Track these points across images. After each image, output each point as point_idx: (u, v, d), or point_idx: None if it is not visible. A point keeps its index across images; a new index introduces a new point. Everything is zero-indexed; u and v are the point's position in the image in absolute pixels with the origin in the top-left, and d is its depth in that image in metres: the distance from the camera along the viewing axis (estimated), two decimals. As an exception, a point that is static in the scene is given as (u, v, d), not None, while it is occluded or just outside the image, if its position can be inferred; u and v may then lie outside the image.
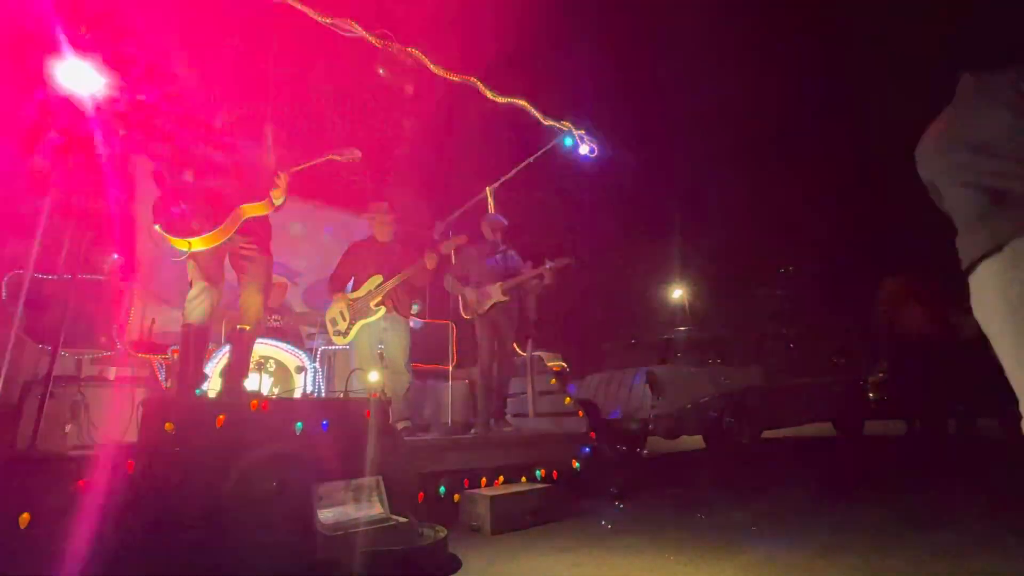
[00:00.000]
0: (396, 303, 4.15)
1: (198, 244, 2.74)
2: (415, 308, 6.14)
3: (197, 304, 2.79)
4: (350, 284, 4.30)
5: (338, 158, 3.19)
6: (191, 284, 2.84)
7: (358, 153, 3.21)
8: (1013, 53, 1.50)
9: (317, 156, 3.25)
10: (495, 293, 4.37)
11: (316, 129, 9.85)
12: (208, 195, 2.80)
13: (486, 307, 4.41)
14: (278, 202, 2.99)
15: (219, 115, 3.08)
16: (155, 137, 3.14)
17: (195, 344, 2.79)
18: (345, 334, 4.11)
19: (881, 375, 8.11)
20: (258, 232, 2.99)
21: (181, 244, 2.74)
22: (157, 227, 2.74)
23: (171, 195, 2.78)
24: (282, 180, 2.96)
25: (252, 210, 2.89)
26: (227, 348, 3.36)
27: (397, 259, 4.25)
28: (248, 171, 2.92)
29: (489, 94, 4.99)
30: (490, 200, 5.98)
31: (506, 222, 4.77)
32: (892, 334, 4.91)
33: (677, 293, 23.23)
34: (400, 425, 3.88)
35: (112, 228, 4.03)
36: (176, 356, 3.87)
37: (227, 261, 2.98)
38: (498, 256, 4.58)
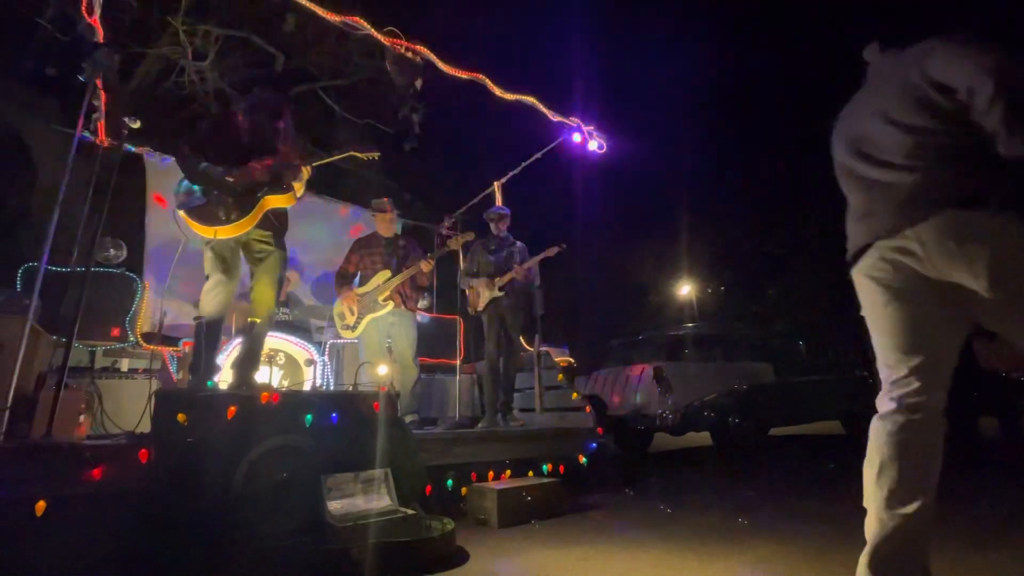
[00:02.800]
0: (404, 298, 4.18)
1: (224, 233, 2.75)
2: (423, 303, 6.18)
3: (213, 297, 2.81)
4: (356, 279, 4.33)
5: (359, 156, 3.22)
6: (207, 276, 2.86)
7: (377, 153, 3.24)
8: (920, 31, 1.63)
9: (337, 152, 3.29)
10: (492, 289, 4.39)
11: (327, 124, 9.92)
12: (234, 184, 2.81)
13: (483, 303, 4.43)
14: (300, 193, 3.02)
15: (241, 104, 3.10)
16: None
17: (208, 336, 2.81)
18: (353, 328, 4.14)
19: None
20: (275, 225, 3.01)
21: (206, 232, 2.76)
22: (181, 213, 2.76)
23: (196, 180, 2.79)
24: (305, 173, 2.98)
25: (276, 202, 2.91)
26: (238, 340, 3.40)
27: (404, 254, 4.28)
28: (272, 162, 2.93)
29: (497, 91, 4.98)
30: (498, 195, 5.99)
31: (504, 211, 4.78)
32: None
33: (685, 289, 23.14)
34: (407, 419, 3.91)
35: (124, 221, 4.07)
36: (187, 349, 3.93)
37: (242, 254, 3.00)
38: (502, 251, 4.60)
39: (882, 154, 1.59)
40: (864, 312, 1.67)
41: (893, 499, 1.49)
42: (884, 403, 1.58)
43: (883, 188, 1.58)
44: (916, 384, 1.51)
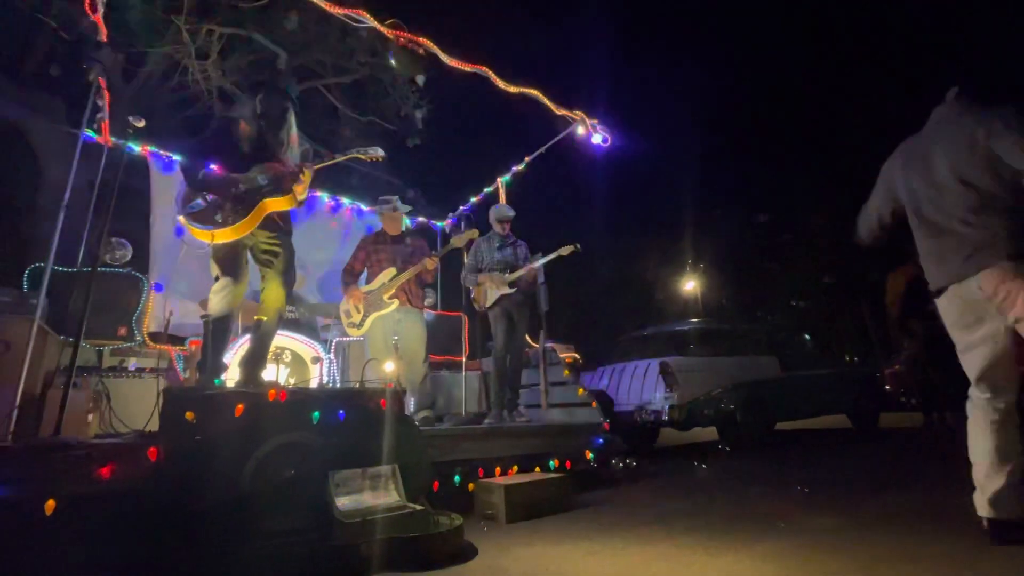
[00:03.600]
0: (409, 296, 4.19)
1: (221, 236, 2.75)
2: (427, 300, 6.18)
3: (221, 297, 2.82)
4: (363, 276, 4.33)
5: (362, 156, 3.19)
6: (216, 278, 2.87)
7: (382, 152, 3.21)
8: (992, 91, 2.09)
9: (340, 153, 3.27)
10: (501, 286, 4.38)
11: (330, 121, 9.91)
12: (233, 189, 2.80)
13: (492, 300, 4.42)
14: (301, 198, 3.00)
15: (244, 103, 3.08)
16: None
17: (215, 335, 2.82)
18: (359, 326, 4.15)
19: (897, 367, 7.99)
20: (280, 227, 3.01)
21: (204, 236, 2.76)
22: (181, 218, 2.77)
23: (197, 187, 2.79)
24: (306, 176, 2.95)
25: (276, 205, 2.90)
26: (245, 338, 3.40)
27: (410, 252, 4.28)
28: (272, 164, 2.92)
29: (501, 84, 4.96)
30: (502, 191, 5.97)
31: (512, 212, 4.76)
32: (911, 322, 4.84)
33: (691, 284, 23.07)
34: (421, 414, 3.91)
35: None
36: (193, 348, 3.94)
37: (249, 255, 3.00)
38: (507, 249, 4.59)
39: (953, 208, 2.00)
40: (949, 330, 2.19)
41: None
42: (976, 399, 2.15)
43: (952, 238, 2.03)
44: (991, 392, 2.08)
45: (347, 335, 4.71)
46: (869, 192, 2.50)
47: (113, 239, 4.24)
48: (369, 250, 4.33)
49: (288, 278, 3.01)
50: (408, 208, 4.52)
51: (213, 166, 2.81)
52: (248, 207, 2.80)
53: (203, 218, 2.75)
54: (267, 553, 2.17)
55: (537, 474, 3.49)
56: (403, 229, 4.52)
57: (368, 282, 4.25)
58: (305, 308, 5.07)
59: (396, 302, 4.11)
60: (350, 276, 4.27)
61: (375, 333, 4.14)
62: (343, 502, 2.37)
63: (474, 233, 4.47)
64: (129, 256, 4.31)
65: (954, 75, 2.21)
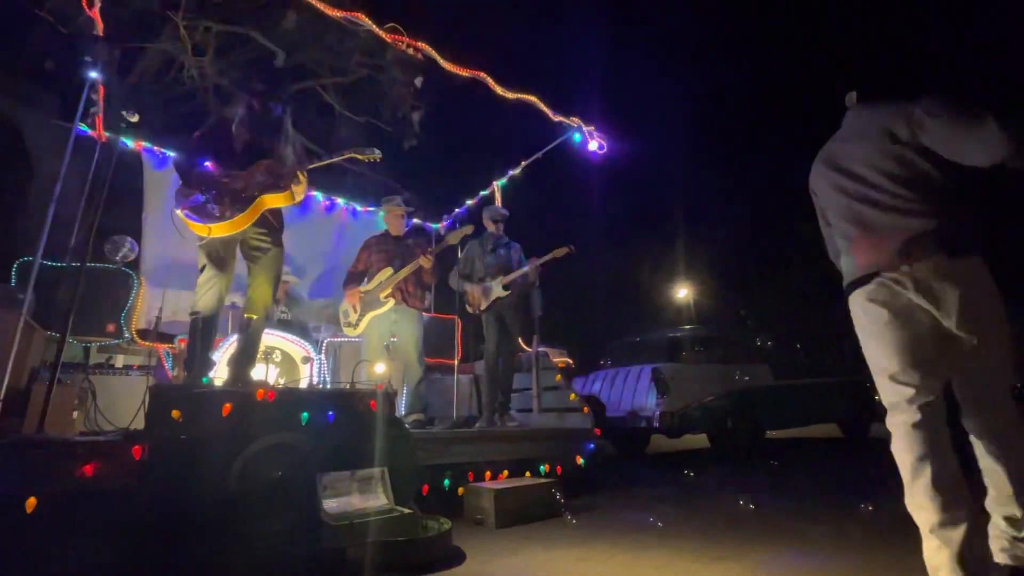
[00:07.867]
0: (405, 295, 4.16)
1: (218, 231, 2.75)
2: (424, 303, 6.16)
3: (207, 291, 2.80)
4: (365, 279, 4.33)
5: (359, 156, 3.18)
6: (202, 270, 2.85)
7: (378, 153, 3.20)
8: (893, 87, 1.92)
9: (337, 153, 3.26)
10: (496, 288, 4.36)
11: (326, 121, 9.87)
12: (231, 184, 2.80)
13: (487, 303, 4.40)
14: (299, 198, 3.01)
15: (240, 105, 3.08)
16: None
17: (203, 333, 2.79)
18: (355, 326, 4.13)
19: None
20: (272, 224, 3.00)
21: (201, 230, 2.76)
22: (179, 212, 2.76)
23: (194, 182, 2.78)
24: (303, 175, 2.96)
25: (273, 201, 2.91)
26: (234, 337, 3.37)
27: (408, 251, 4.27)
28: (271, 163, 2.93)
29: (499, 89, 4.96)
30: (497, 195, 5.97)
31: (506, 213, 4.75)
32: None
33: (683, 291, 23.15)
34: (411, 417, 3.88)
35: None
36: (182, 346, 3.90)
37: (238, 251, 2.99)
38: (501, 250, 4.57)
39: (886, 200, 1.77)
40: (861, 329, 1.85)
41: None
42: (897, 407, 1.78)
43: (885, 230, 1.78)
44: (913, 391, 1.69)
45: (339, 335, 4.67)
46: None
47: (129, 239, 4.22)
48: (371, 251, 4.33)
49: (275, 275, 3.00)
50: (410, 209, 4.53)
51: (208, 163, 2.81)
52: (245, 203, 2.80)
53: (200, 212, 2.74)
54: (253, 555, 2.14)
55: (527, 479, 3.47)
56: (405, 229, 4.52)
57: (367, 282, 4.24)
58: (298, 308, 5.04)
59: (392, 301, 4.07)
60: (352, 278, 4.26)
61: (371, 333, 4.11)
62: (331, 504, 2.34)
63: (468, 229, 4.44)
64: (134, 255, 4.27)
65: (849, 82, 2.05)
